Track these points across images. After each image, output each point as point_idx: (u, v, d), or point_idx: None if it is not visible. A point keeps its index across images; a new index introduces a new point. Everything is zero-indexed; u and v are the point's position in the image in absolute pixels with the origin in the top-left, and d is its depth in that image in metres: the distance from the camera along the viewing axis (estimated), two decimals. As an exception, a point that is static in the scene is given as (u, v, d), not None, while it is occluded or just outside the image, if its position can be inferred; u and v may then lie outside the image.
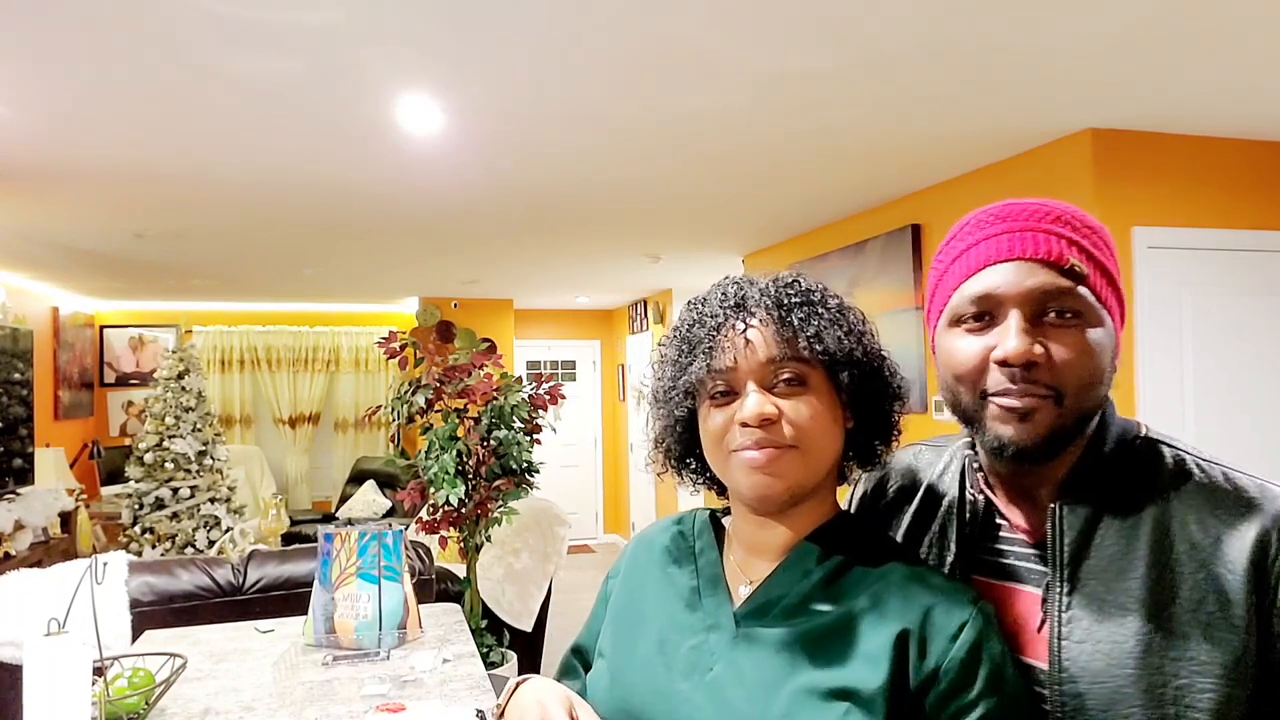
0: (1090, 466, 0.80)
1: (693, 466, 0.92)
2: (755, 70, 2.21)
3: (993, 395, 0.77)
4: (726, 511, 0.95)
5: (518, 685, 0.89)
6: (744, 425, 0.79)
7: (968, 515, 0.88)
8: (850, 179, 3.38)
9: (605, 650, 0.91)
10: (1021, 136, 2.83)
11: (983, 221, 0.82)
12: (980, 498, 0.87)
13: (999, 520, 0.86)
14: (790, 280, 0.86)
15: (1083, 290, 0.77)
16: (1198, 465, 0.78)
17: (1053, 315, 0.76)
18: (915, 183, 3.45)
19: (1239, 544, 0.72)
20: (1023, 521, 0.84)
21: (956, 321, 0.81)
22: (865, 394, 0.83)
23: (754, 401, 0.79)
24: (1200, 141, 2.84)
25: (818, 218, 4.14)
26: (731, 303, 0.84)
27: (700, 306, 0.87)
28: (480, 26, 1.94)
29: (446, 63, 2.15)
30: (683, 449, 0.90)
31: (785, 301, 0.82)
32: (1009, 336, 0.75)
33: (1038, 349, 0.75)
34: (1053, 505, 0.80)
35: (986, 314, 0.78)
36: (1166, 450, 0.81)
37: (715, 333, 0.82)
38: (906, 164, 3.16)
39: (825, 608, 0.79)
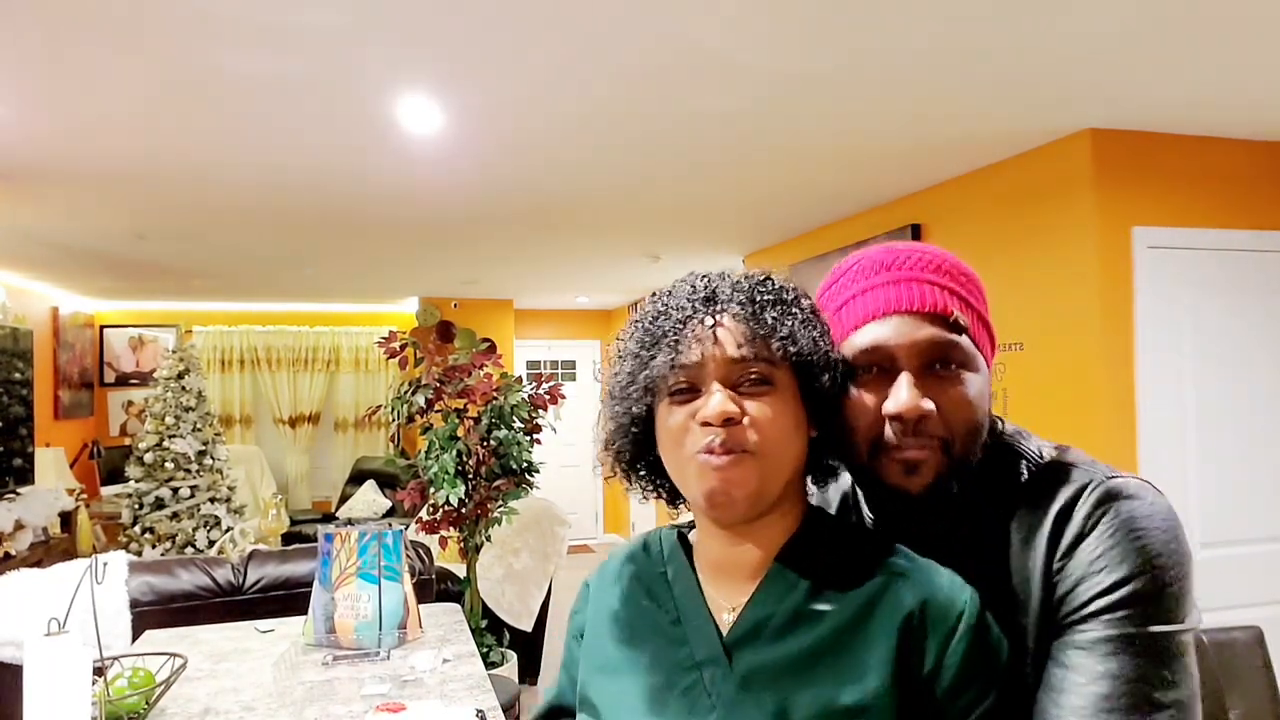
0: (957, 493, 0.82)
1: (643, 472, 0.85)
2: (756, 71, 2.21)
3: (889, 448, 0.79)
4: (693, 526, 0.89)
5: None
6: (705, 425, 0.74)
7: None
8: (850, 179, 3.38)
9: (594, 702, 0.83)
10: (1021, 136, 2.83)
11: (866, 269, 0.83)
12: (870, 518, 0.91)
13: None
14: (763, 278, 0.82)
15: (964, 340, 0.79)
16: (1029, 469, 0.81)
17: (939, 367, 0.79)
18: (915, 183, 3.44)
19: (1034, 544, 0.76)
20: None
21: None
22: (832, 402, 0.80)
23: (717, 400, 0.74)
24: (1200, 141, 2.84)
25: (818, 218, 4.14)
26: (701, 296, 0.79)
27: (665, 299, 0.81)
28: (481, 27, 1.94)
29: (447, 63, 2.15)
30: (635, 451, 0.84)
31: (758, 298, 0.78)
32: (900, 390, 0.77)
33: (928, 404, 0.77)
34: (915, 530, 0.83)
35: (875, 365, 0.80)
36: (1011, 451, 0.83)
37: (681, 326, 0.77)
38: (906, 164, 3.16)
39: (817, 622, 0.75)
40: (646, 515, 7.25)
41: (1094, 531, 0.73)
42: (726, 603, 0.80)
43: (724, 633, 0.78)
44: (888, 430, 0.79)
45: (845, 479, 0.95)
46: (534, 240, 4.57)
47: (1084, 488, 0.75)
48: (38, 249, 4.48)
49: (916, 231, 3.53)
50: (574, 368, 8.29)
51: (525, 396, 3.32)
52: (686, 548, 0.87)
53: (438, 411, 3.28)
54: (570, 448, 8.05)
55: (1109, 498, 0.74)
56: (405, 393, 3.31)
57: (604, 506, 8.32)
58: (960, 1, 1.84)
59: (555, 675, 0.97)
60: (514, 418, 3.28)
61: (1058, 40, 2.05)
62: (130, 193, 3.35)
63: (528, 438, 3.34)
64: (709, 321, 0.77)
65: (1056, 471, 0.79)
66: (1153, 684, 0.69)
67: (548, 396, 3.40)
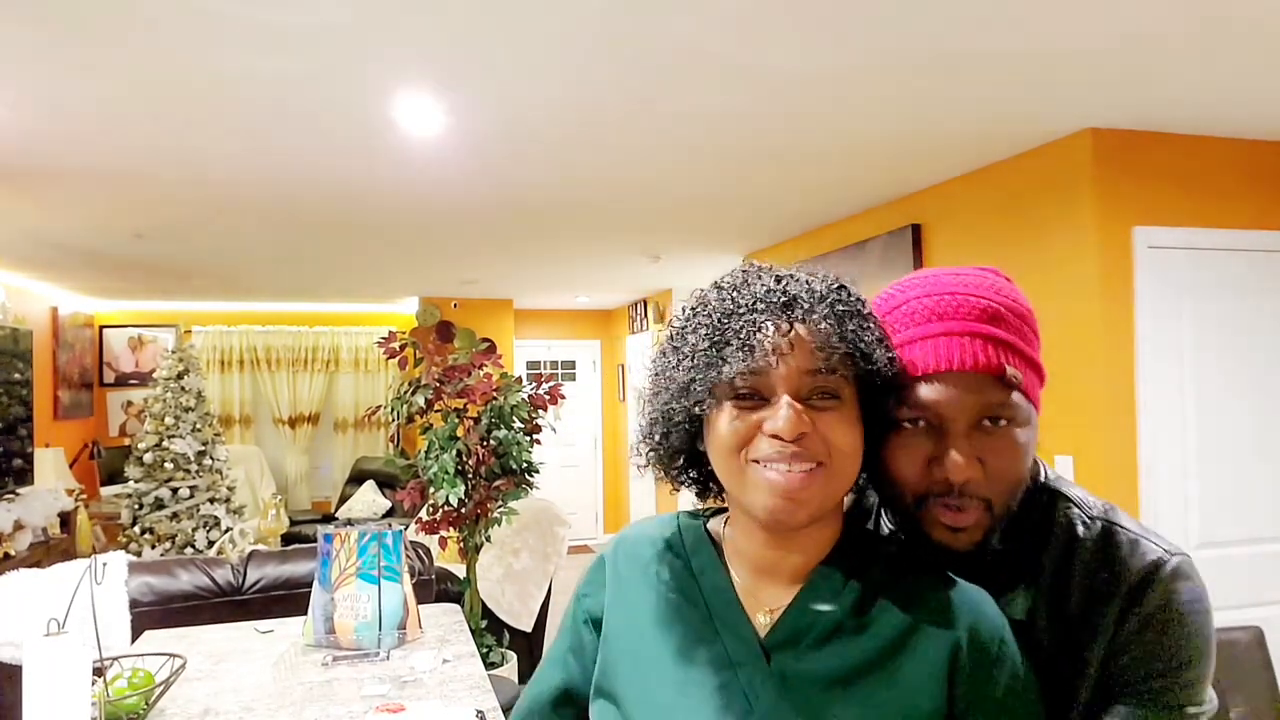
0: (1002, 531, 0.85)
1: (681, 464, 0.83)
2: (756, 70, 2.21)
3: (934, 499, 0.81)
4: (712, 514, 0.89)
5: None
6: (774, 438, 0.72)
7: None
8: (850, 179, 3.38)
9: (616, 693, 0.81)
10: (1021, 136, 2.83)
11: (918, 314, 0.83)
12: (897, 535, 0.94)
13: None
14: (838, 285, 0.79)
15: (1015, 397, 0.80)
16: (1083, 522, 0.84)
17: (987, 422, 0.80)
18: (915, 183, 3.44)
19: (1106, 609, 0.80)
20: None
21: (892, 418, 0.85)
22: (886, 420, 0.80)
23: (789, 414, 0.71)
24: (1200, 141, 2.84)
25: (818, 218, 4.14)
26: (778, 299, 0.75)
27: (736, 295, 0.77)
28: (480, 27, 1.94)
29: (446, 63, 2.15)
30: (679, 445, 0.81)
31: (839, 309, 0.75)
32: (951, 457, 0.79)
33: (976, 471, 0.79)
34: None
35: (923, 420, 0.81)
36: (1060, 502, 0.86)
37: (755, 330, 0.73)
38: (907, 164, 3.16)
39: (862, 635, 0.75)
40: (646, 515, 7.24)
41: (1158, 614, 0.78)
42: (763, 604, 0.79)
43: (761, 635, 0.77)
44: (935, 483, 0.81)
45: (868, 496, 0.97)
46: (534, 240, 4.57)
47: (1155, 569, 0.79)
48: (38, 249, 4.48)
49: (916, 231, 3.53)
50: (574, 368, 8.29)
51: (525, 396, 3.32)
52: (712, 540, 0.85)
53: (437, 411, 3.28)
54: (570, 448, 8.05)
55: (1175, 578, 0.78)
56: (405, 393, 3.31)
57: (604, 506, 8.32)
58: (960, 2, 1.84)
59: (553, 658, 0.92)
60: (514, 418, 3.28)
61: (1058, 40, 2.05)
62: (130, 192, 3.35)
63: (528, 438, 3.34)
64: (785, 327, 0.73)
65: (1122, 543, 0.82)
66: None
67: (548, 396, 3.40)
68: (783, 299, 0.75)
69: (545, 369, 8.10)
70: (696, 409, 0.77)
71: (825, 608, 0.76)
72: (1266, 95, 2.47)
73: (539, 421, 3.40)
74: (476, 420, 3.25)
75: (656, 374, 0.81)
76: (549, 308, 8.02)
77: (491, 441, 3.22)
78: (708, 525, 0.87)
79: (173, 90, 2.28)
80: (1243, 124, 2.75)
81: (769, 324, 0.73)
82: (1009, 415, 0.80)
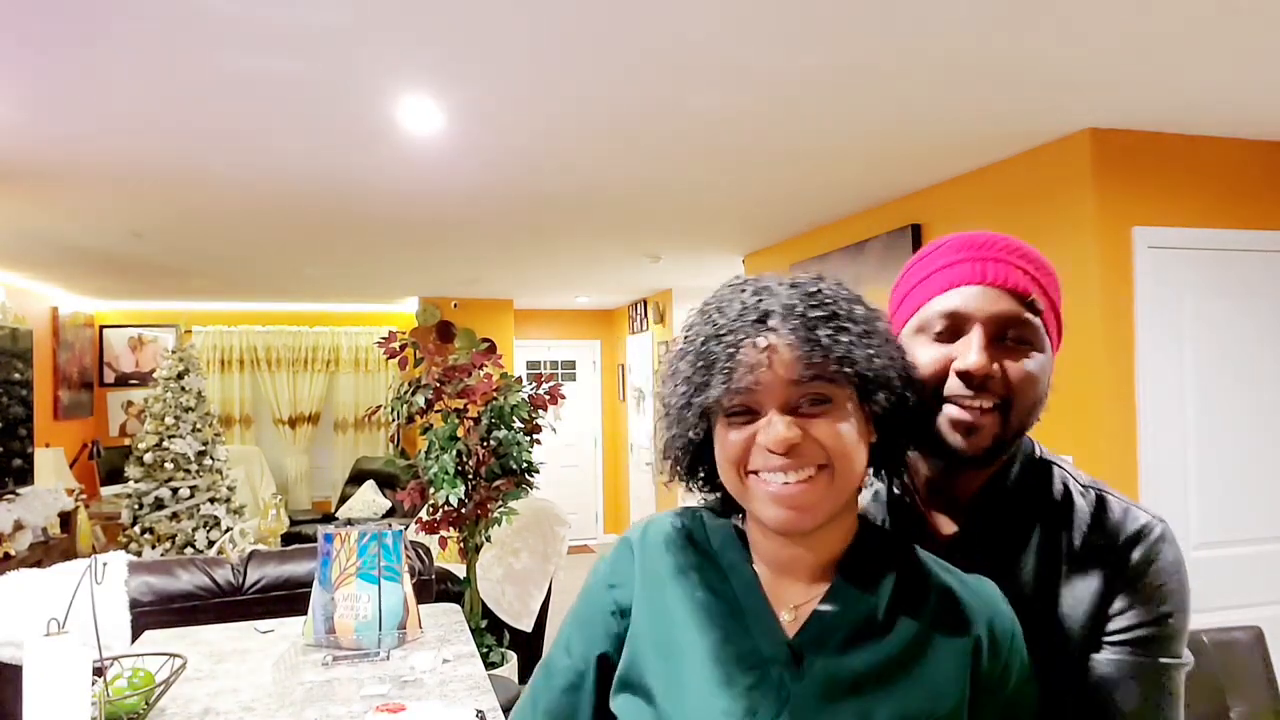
0: (1002, 482, 0.91)
1: (703, 476, 0.87)
2: (756, 70, 2.21)
3: (949, 400, 0.85)
4: (728, 510, 0.89)
5: None
6: (769, 451, 0.75)
7: (900, 511, 0.96)
8: (850, 179, 3.38)
9: (648, 685, 0.81)
10: (1021, 136, 2.83)
11: (957, 245, 0.91)
12: (907, 498, 0.96)
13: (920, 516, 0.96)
14: (814, 289, 0.79)
15: (1037, 321, 0.87)
16: (1080, 491, 0.91)
17: (1009, 339, 0.86)
18: (915, 183, 3.44)
19: (1097, 568, 0.86)
20: (938, 522, 0.94)
21: (922, 329, 0.89)
22: (895, 410, 0.79)
23: (778, 428, 0.74)
24: (1200, 141, 2.84)
25: (818, 218, 4.14)
26: (752, 317, 0.77)
27: (716, 317, 0.79)
28: (481, 27, 1.94)
29: (447, 63, 2.15)
30: (693, 460, 0.84)
31: (810, 316, 0.76)
32: (971, 351, 0.84)
33: (995, 366, 0.84)
34: (968, 508, 0.91)
35: (952, 329, 0.87)
36: (1056, 472, 0.93)
37: (734, 350, 0.75)
38: (906, 164, 3.16)
39: (886, 636, 0.77)
40: (647, 515, 7.24)
41: (1146, 569, 0.84)
42: (786, 601, 0.81)
43: (788, 633, 0.79)
44: (953, 382, 0.85)
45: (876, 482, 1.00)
46: (534, 240, 4.57)
47: (1145, 530, 0.86)
48: (38, 249, 4.48)
49: (917, 231, 3.53)
50: (574, 368, 8.29)
51: (525, 397, 3.33)
52: (741, 537, 0.86)
53: (438, 412, 3.28)
54: (570, 448, 8.05)
55: (1162, 540, 0.85)
56: (405, 393, 3.31)
57: (604, 506, 8.32)
58: (960, 2, 1.84)
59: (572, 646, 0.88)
60: (514, 418, 3.28)
61: (1058, 40, 2.05)
62: (130, 193, 3.35)
63: (528, 438, 3.34)
64: (761, 344, 0.75)
65: (1114, 509, 0.88)
66: (1169, 707, 0.83)
67: (547, 396, 3.40)
68: (756, 315, 0.77)
69: (545, 369, 8.10)
70: (691, 433, 0.80)
71: (848, 611, 0.79)
72: (1267, 95, 2.47)
73: (539, 421, 3.40)
74: (476, 420, 3.25)
75: (662, 399, 0.84)
76: (549, 308, 8.02)
77: (491, 442, 3.22)
78: (735, 522, 0.88)
79: (173, 90, 2.28)
80: (1243, 124, 2.75)
81: (747, 342, 0.76)
82: (1029, 336, 0.86)
